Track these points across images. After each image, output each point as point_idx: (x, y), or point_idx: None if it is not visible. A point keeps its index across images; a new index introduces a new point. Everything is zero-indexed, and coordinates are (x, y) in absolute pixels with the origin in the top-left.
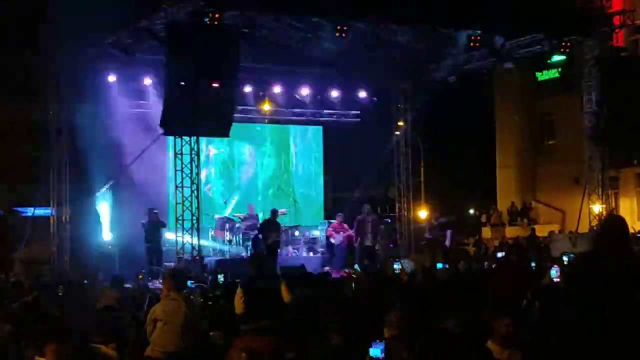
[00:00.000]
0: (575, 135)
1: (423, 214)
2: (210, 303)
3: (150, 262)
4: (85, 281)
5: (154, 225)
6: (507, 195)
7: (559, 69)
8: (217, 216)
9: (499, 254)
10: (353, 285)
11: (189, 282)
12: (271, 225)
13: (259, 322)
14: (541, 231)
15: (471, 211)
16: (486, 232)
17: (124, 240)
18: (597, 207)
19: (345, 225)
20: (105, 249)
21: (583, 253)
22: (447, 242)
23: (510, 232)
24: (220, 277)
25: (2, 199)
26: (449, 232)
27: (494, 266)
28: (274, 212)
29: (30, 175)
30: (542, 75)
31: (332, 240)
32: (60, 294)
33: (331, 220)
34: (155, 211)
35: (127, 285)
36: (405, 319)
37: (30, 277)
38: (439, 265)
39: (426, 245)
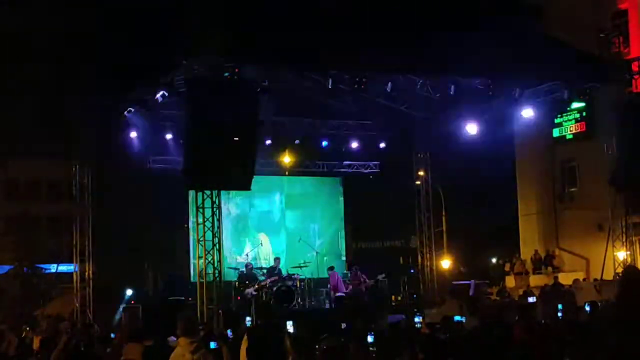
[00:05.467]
0: (597, 181)
1: (446, 263)
2: None
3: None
4: (113, 334)
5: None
6: (530, 244)
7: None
8: (239, 269)
9: (530, 299)
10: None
11: (212, 344)
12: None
13: None
14: (565, 279)
15: (494, 260)
16: (510, 281)
17: (145, 295)
18: (622, 254)
19: (363, 278)
20: (128, 305)
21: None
22: (471, 292)
23: (534, 280)
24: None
25: (26, 256)
26: (472, 282)
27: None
28: (247, 266)
29: (53, 232)
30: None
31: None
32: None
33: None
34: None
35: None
36: None
37: (54, 334)
38: (457, 318)
39: (451, 294)
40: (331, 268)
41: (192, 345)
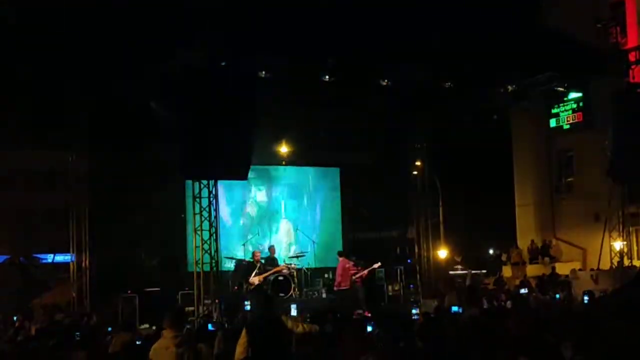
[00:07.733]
0: (594, 172)
1: (443, 253)
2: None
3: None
4: (110, 329)
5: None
6: (527, 234)
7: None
8: (236, 259)
9: (522, 290)
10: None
11: (209, 326)
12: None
13: None
14: (562, 269)
15: (491, 250)
16: (507, 271)
17: (142, 284)
18: (618, 244)
19: (359, 267)
20: (125, 294)
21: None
22: (468, 282)
23: (531, 270)
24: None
25: (22, 246)
26: (469, 272)
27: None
28: (255, 255)
29: (50, 222)
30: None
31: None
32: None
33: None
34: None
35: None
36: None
37: (50, 323)
38: (455, 308)
39: (448, 285)
40: (340, 254)
41: (176, 339)
